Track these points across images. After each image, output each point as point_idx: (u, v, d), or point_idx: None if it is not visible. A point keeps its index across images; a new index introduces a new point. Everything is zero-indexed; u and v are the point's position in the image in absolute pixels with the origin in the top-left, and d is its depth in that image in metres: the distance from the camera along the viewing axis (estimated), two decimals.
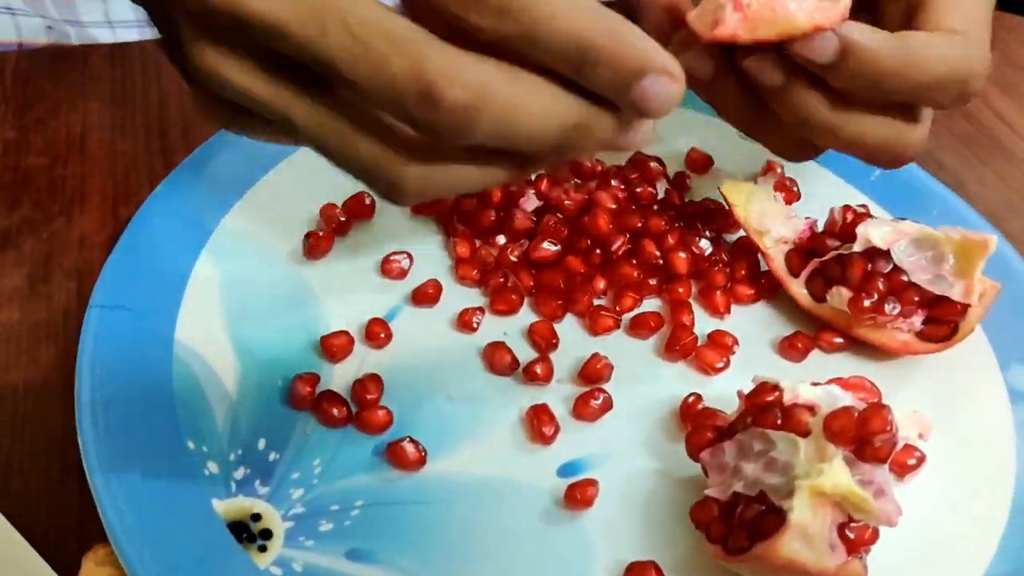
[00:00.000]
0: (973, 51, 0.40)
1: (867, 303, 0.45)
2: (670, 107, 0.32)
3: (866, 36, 0.39)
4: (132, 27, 0.68)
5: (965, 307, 0.45)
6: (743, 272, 0.51)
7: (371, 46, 0.30)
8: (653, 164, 0.55)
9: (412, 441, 0.42)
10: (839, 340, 0.48)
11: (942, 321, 0.46)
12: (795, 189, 0.56)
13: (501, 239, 0.51)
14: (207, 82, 0.33)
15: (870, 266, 0.46)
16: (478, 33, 0.31)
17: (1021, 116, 0.68)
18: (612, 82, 0.31)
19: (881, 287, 0.46)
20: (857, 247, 0.47)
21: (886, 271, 0.46)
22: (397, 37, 0.30)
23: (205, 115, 0.36)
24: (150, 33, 0.67)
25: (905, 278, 0.46)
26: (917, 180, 0.58)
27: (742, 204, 0.50)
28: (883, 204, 0.57)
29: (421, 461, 0.42)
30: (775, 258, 0.49)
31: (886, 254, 0.46)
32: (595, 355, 0.46)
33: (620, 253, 0.50)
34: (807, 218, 0.51)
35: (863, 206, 0.51)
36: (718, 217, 0.53)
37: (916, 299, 0.46)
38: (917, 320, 0.46)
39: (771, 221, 0.50)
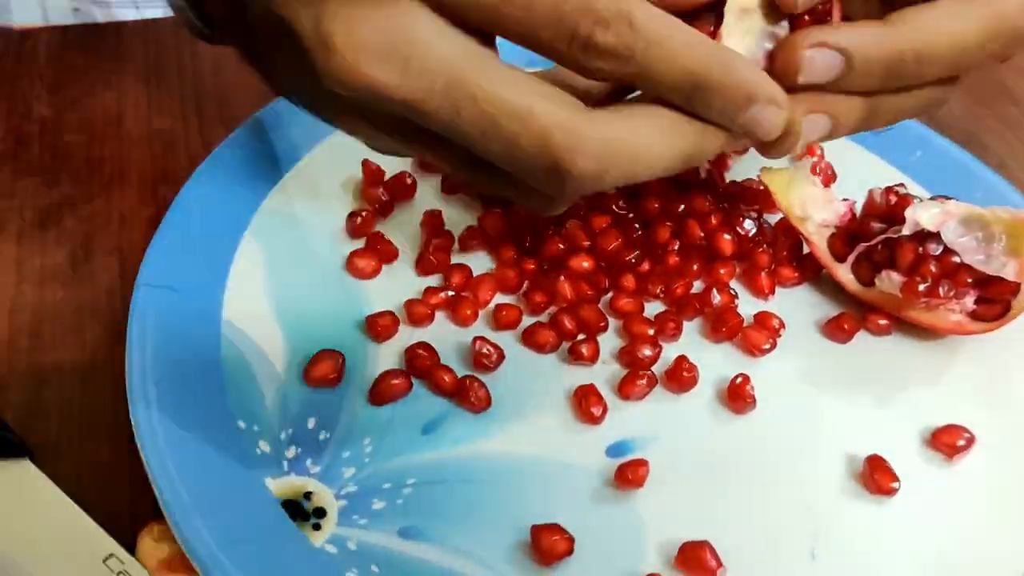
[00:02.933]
0: (998, 9, 0.38)
1: (922, 287, 0.45)
2: (776, 131, 0.36)
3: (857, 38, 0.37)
4: (158, 7, 0.68)
5: (1017, 285, 0.45)
6: (786, 253, 0.51)
7: (501, 124, 0.33)
8: None
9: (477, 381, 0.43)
10: (884, 322, 0.48)
11: (994, 300, 0.46)
12: (831, 171, 0.56)
13: None
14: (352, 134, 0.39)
15: (921, 249, 0.46)
16: (597, 75, 0.34)
17: None
18: (722, 111, 0.35)
19: (933, 270, 0.45)
20: (906, 230, 0.46)
21: (937, 253, 0.46)
22: (523, 112, 0.33)
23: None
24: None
25: (957, 259, 0.46)
26: (961, 161, 0.57)
27: (783, 191, 0.50)
28: (924, 184, 0.56)
29: (488, 401, 0.43)
30: (818, 243, 0.49)
31: (935, 236, 0.46)
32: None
33: (666, 237, 0.49)
34: (846, 200, 0.50)
35: (900, 185, 0.50)
36: (760, 197, 0.53)
37: (968, 280, 0.46)
38: (969, 300, 0.46)
39: (812, 206, 0.50)
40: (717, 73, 0.34)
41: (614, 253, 0.48)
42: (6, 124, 0.57)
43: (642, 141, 0.34)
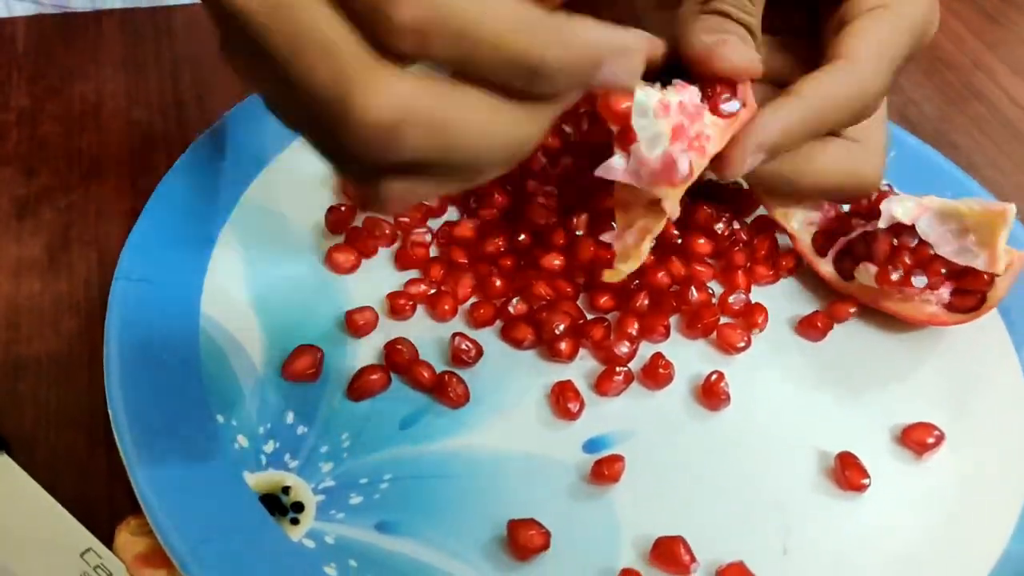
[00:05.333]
0: (858, 79, 0.43)
1: (894, 276, 0.46)
2: (637, 73, 0.34)
3: (780, 122, 0.42)
4: (115, 2, 0.67)
5: (991, 277, 0.46)
6: (763, 253, 0.51)
7: (305, 50, 0.29)
8: None
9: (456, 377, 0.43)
10: (853, 309, 0.49)
11: (969, 292, 0.47)
12: None
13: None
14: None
15: (896, 241, 0.47)
16: (405, 58, 0.30)
17: None
18: (571, 84, 0.32)
19: (908, 261, 0.47)
20: (882, 223, 0.47)
21: (912, 245, 0.47)
22: (331, 46, 0.29)
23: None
24: None
25: (931, 251, 0.47)
26: (933, 161, 0.58)
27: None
28: (898, 183, 0.57)
29: (466, 396, 0.43)
30: (801, 239, 0.50)
31: (911, 229, 0.47)
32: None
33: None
34: None
35: (887, 185, 0.51)
36: (738, 197, 0.53)
37: (943, 271, 0.47)
38: (945, 292, 0.47)
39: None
40: (554, 52, 0.30)
41: (590, 254, 0.49)
42: None
43: (456, 109, 0.30)
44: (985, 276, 0.46)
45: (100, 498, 0.40)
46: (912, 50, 0.45)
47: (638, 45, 0.34)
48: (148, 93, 0.59)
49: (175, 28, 0.64)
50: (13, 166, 0.54)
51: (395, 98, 0.29)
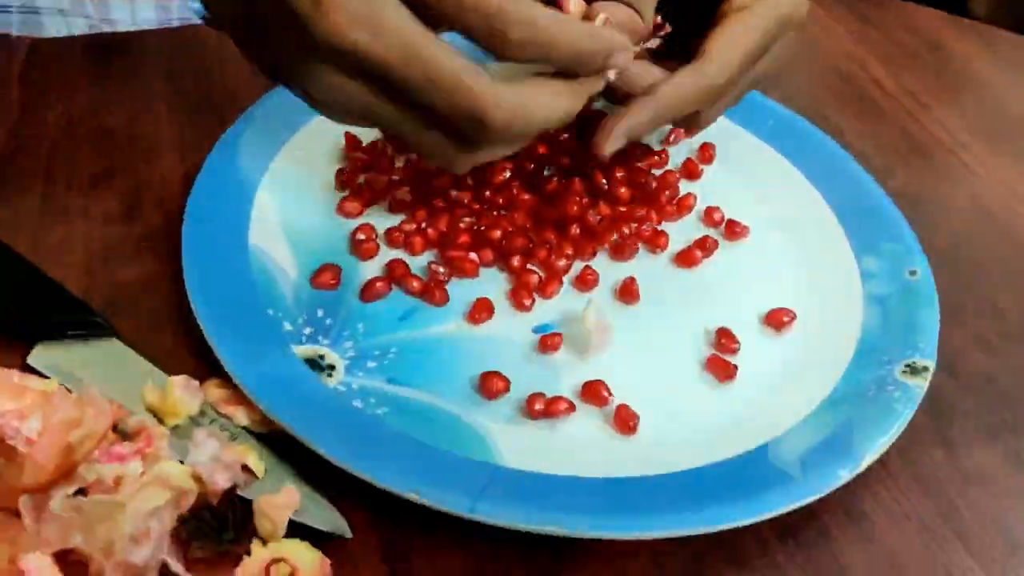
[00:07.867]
0: (705, 75, 0.57)
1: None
2: (628, 64, 0.54)
3: (636, 118, 0.58)
4: (152, 23, 0.82)
5: None
6: (670, 195, 0.68)
7: (440, 80, 0.46)
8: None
9: (439, 285, 0.59)
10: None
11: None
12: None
13: None
14: (324, 95, 0.48)
15: None
16: (511, 58, 0.48)
17: (889, 78, 0.86)
18: (598, 67, 0.52)
19: None
20: None
21: None
22: (458, 71, 0.46)
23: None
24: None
25: None
26: (811, 132, 0.74)
27: None
28: (779, 148, 0.74)
29: (447, 298, 0.59)
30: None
31: None
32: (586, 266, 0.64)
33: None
34: None
35: None
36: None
37: None
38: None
39: None
40: (590, 46, 0.49)
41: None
42: (58, 108, 0.72)
43: (539, 101, 0.49)
44: None
45: (189, 371, 0.55)
46: (768, 40, 0.59)
47: (626, 42, 0.52)
48: (188, 95, 0.75)
49: (208, 46, 0.79)
50: (84, 148, 0.69)
51: (508, 105, 0.47)
